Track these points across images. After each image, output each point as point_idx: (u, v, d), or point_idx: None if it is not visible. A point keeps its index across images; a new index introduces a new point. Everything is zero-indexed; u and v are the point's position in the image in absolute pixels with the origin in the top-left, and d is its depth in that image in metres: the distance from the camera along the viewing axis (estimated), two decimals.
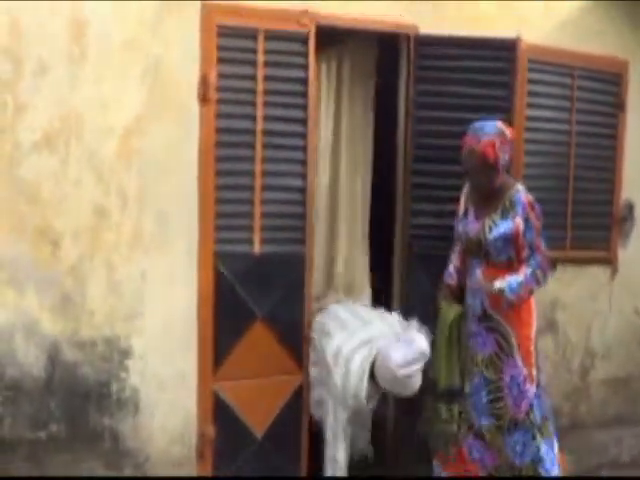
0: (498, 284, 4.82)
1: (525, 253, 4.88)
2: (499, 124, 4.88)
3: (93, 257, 4.69)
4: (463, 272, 5.15)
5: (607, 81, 6.35)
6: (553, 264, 5.16)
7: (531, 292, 4.89)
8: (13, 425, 4.60)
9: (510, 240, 4.87)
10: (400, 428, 5.73)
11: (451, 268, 5.20)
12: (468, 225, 5.01)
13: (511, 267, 4.90)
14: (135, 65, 4.71)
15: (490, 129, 4.84)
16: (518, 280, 4.83)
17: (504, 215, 4.88)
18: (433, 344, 5.01)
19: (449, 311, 5.09)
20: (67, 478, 4.79)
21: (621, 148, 6.48)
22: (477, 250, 4.97)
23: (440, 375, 5.09)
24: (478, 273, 4.98)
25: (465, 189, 5.11)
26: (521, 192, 4.92)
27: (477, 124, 4.88)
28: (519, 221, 4.86)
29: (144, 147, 4.75)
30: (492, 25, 5.67)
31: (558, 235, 6.07)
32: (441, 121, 5.38)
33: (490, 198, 4.94)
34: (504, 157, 4.84)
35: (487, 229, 4.91)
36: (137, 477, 4.91)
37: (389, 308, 5.76)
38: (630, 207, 6.65)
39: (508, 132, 4.87)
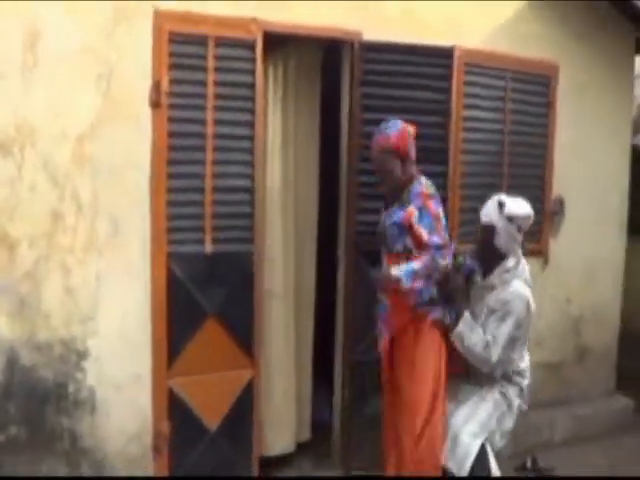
0: (394, 271, 4.90)
1: (425, 237, 4.90)
2: (402, 123, 5.04)
3: (48, 261, 4.74)
4: None
5: (538, 83, 6.55)
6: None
7: (428, 277, 4.92)
8: None
9: (403, 228, 4.98)
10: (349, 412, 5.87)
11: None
12: (382, 216, 5.18)
13: (410, 257, 4.98)
14: (89, 72, 4.77)
15: (397, 126, 5.02)
16: (414, 267, 4.87)
17: (401, 206, 5.03)
18: None
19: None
20: (68, 478, 4.90)
21: (552, 146, 6.69)
22: (382, 240, 5.14)
23: None
24: (385, 260, 5.13)
25: None
26: (421, 184, 5.03)
27: (382, 125, 5.05)
28: (411, 210, 4.95)
29: (98, 152, 4.82)
30: (432, 32, 5.86)
31: None
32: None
33: (397, 192, 5.09)
34: (411, 151, 5.02)
35: (387, 219, 5.09)
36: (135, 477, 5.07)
37: (334, 304, 5.94)
38: (561, 202, 6.88)
39: (412, 130, 5.05)
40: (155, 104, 4.92)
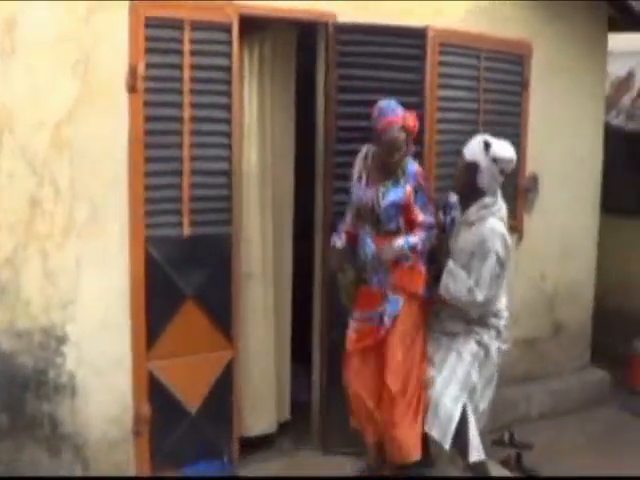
0: (399, 241, 5.08)
1: (420, 218, 5.12)
2: None
3: (27, 247, 4.73)
4: (354, 237, 5.32)
5: (512, 62, 6.56)
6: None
7: (422, 254, 5.18)
8: None
9: (400, 207, 5.10)
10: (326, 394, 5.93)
11: (341, 229, 5.35)
12: (362, 192, 5.20)
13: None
14: (66, 58, 4.73)
15: (399, 107, 5.10)
16: (413, 241, 5.10)
17: (395, 183, 5.11)
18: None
19: (344, 279, 5.34)
20: (67, 478, 4.94)
21: (525, 124, 6.72)
22: (369, 217, 5.17)
23: None
24: (369, 242, 5.18)
25: (361, 155, 5.28)
26: (413, 163, 5.19)
27: (385, 104, 5.09)
28: (409, 189, 5.11)
29: (76, 138, 4.80)
30: (407, 13, 5.86)
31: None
32: (361, 104, 5.50)
33: (385, 167, 5.16)
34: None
35: (380, 196, 5.11)
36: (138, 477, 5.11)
37: (310, 283, 5.99)
38: (535, 180, 6.94)
39: None
40: (132, 89, 4.91)
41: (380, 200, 5.11)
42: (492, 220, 5.09)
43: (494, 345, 5.25)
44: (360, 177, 5.23)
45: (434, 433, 5.10)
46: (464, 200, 5.22)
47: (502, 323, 5.29)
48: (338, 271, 5.35)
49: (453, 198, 5.33)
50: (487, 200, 5.12)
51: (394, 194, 5.10)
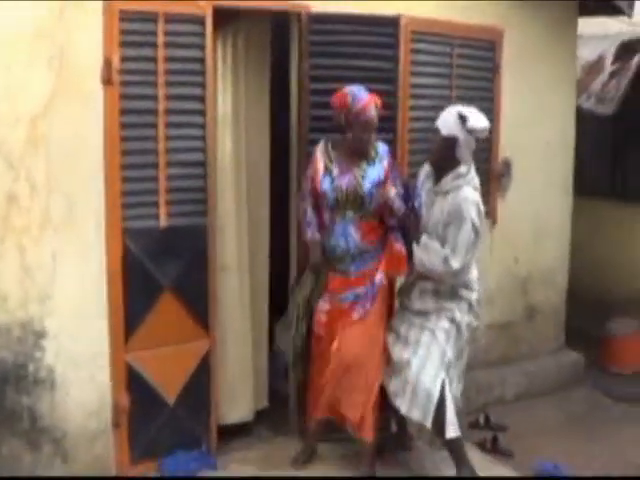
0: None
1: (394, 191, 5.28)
2: None
3: (4, 242, 4.72)
4: (323, 229, 5.38)
5: (484, 48, 6.61)
6: None
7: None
8: None
9: (381, 185, 5.24)
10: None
11: (311, 222, 5.37)
12: (337, 180, 5.25)
13: (380, 220, 5.34)
14: (41, 53, 4.72)
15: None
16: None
17: (372, 164, 5.26)
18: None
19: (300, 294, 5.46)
20: (67, 478, 4.97)
21: (498, 110, 6.76)
22: (353, 202, 5.24)
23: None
24: (351, 231, 5.26)
25: (320, 148, 5.34)
26: (381, 144, 5.36)
27: (355, 88, 5.21)
28: (387, 165, 5.30)
29: (51, 133, 4.78)
30: (379, 2, 5.87)
31: None
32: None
33: (358, 151, 5.26)
34: None
35: (360, 179, 5.21)
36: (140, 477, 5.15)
37: (286, 277, 6.02)
38: (507, 164, 6.99)
39: None
40: (107, 82, 4.90)
41: (361, 182, 5.21)
42: (467, 189, 5.19)
43: (465, 320, 5.33)
44: (327, 168, 5.26)
45: (414, 415, 5.19)
46: (439, 171, 5.30)
47: (474, 297, 5.36)
48: (319, 264, 5.37)
49: (420, 179, 5.43)
50: (461, 170, 5.21)
51: (373, 174, 5.24)
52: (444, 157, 5.23)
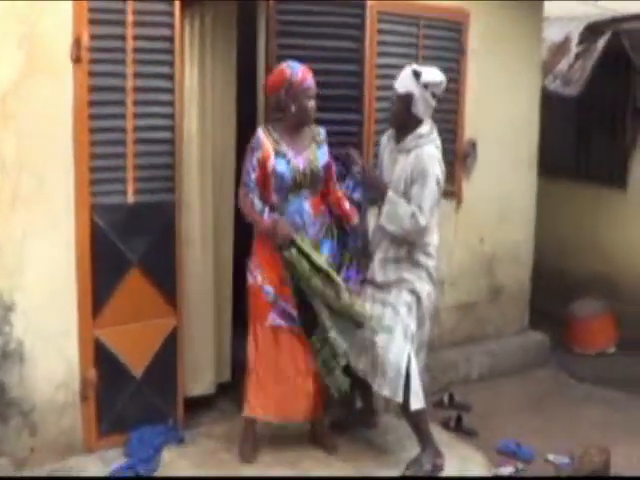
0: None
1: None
2: None
3: None
4: (272, 211, 5.31)
5: (450, 29, 6.70)
6: None
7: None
8: None
9: (329, 166, 5.41)
10: None
11: (261, 206, 5.26)
12: (293, 161, 5.24)
13: (323, 196, 5.45)
14: (11, 31, 4.74)
15: None
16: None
17: (320, 146, 5.36)
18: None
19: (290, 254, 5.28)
20: (67, 478, 5.02)
21: (463, 91, 6.85)
22: (310, 181, 5.30)
23: None
24: (305, 205, 5.30)
25: (262, 134, 5.24)
26: (322, 128, 5.41)
27: (289, 64, 5.23)
28: (326, 149, 5.40)
29: (21, 110, 4.81)
30: None
31: None
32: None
33: (301, 133, 5.32)
34: None
35: (314, 159, 5.29)
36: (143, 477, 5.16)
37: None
38: (473, 145, 7.06)
39: None
40: (76, 59, 4.93)
41: (317, 162, 5.29)
42: (429, 147, 5.32)
43: (426, 289, 5.43)
44: (277, 151, 5.22)
45: (385, 392, 5.28)
46: (400, 131, 5.41)
47: (432, 264, 5.46)
48: (292, 237, 5.21)
49: (382, 143, 5.61)
50: (424, 129, 5.34)
51: (323, 155, 5.35)
52: (403, 115, 5.34)
